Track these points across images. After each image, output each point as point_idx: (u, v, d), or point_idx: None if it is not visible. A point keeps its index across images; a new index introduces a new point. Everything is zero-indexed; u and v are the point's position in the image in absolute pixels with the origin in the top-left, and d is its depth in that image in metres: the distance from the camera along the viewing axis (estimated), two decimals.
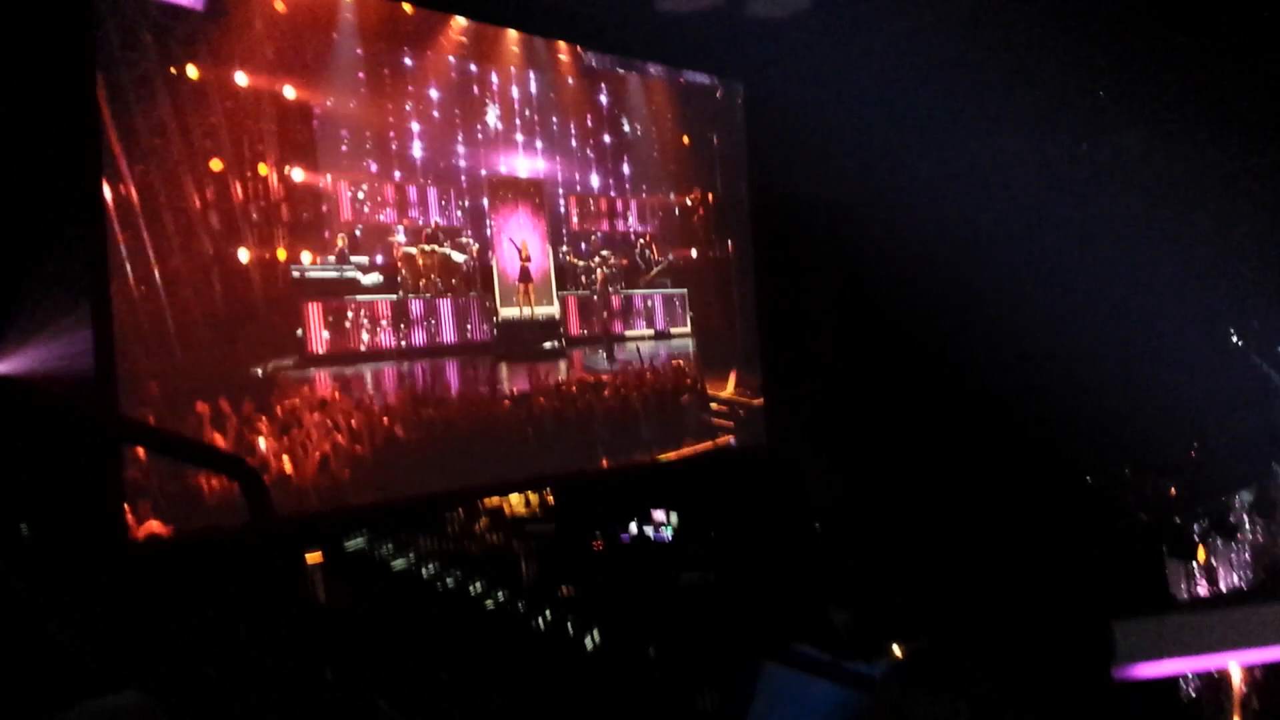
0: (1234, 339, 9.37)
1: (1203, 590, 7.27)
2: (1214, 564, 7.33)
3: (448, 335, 8.43)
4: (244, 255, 7.07)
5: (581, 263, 9.57)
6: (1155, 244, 8.78)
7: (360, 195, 7.90)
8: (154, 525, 6.37)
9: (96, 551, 5.92)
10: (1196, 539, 7.31)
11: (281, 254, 7.31)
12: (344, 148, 7.80)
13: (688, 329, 10.41)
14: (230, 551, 5.56)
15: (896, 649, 5.01)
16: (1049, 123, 9.44)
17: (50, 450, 5.58)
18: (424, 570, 7.63)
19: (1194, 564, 7.30)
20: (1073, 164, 9.49)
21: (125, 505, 6.22)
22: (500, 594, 7.37)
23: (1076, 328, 8.93)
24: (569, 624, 7.00)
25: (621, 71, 9.95)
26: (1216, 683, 5.70)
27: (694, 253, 10.55)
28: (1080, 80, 9.00)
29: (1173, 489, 8.09)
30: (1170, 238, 8.84)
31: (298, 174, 7.47)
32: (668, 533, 9.01)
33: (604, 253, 9.74)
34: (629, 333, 9.91)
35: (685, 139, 10.51)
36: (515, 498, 8.68)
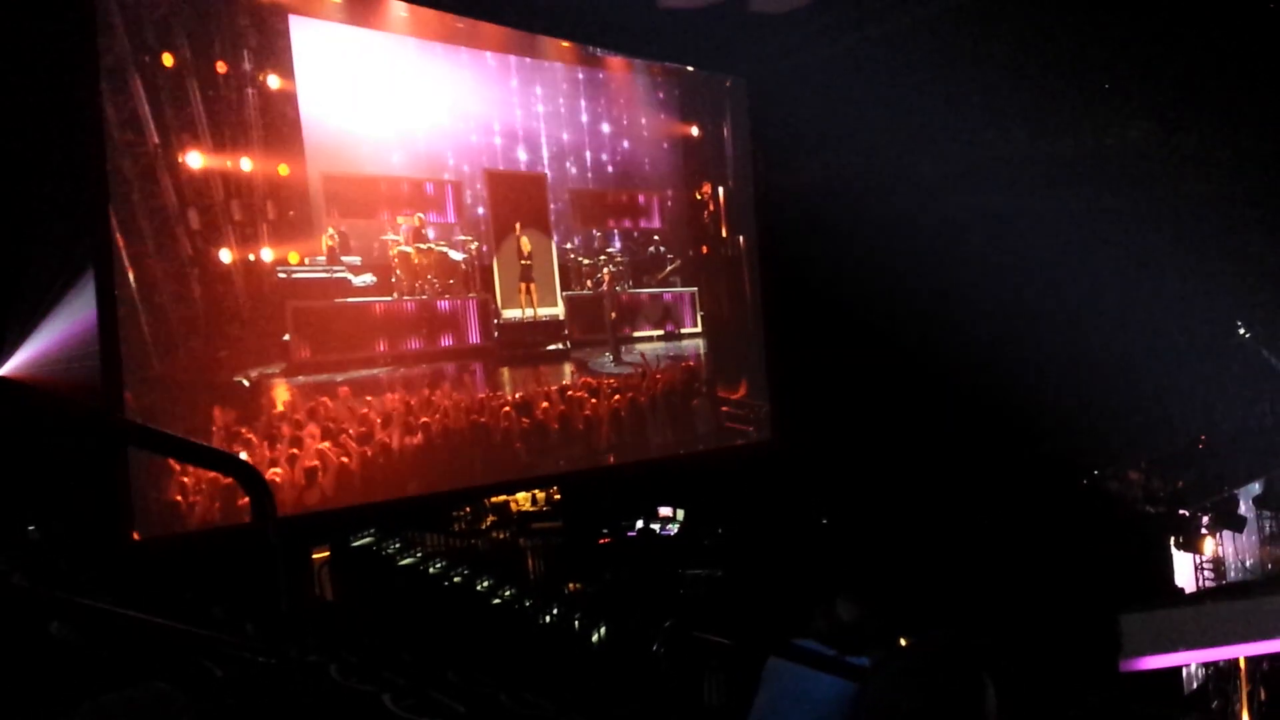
0: (1241, 332, 9.34)
1: (1210, 582, 7.25)
2: (1221, 556, 7.31)
3: (445, 338, 8.07)
4: (226, 256, 6.72)
5: (587, 261, 9.27)
6: (1161, 237, 8.75)
7: (351, 191, 7.53)
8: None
9: (100, 551, 5.93)
10: (1204, 531, 7.30)
11: (266, 254, 6.97)
12: (332, 141, 7.41)
13: (698, 329, 10.08)
14: (234, 550, 5.56)
15: (903, 642, 5.00)
16: (1053, 116, 9.41)
17: (55, 452, 5.59)
18: (430, 567, 7.60)
19: (1201, 556, 7.29)
20: (1077, 157, 9.46)
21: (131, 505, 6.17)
22: (507, 590, 7.35)
23: (1083, 322, 8.92)
24: (575, 619, 6.98)
25: (627, 62, 9.62)
26: (1224, 674, 5.69)
27: (705, 249, 10.22)
28: (1085, 74, 8.96)
29: (1180, 482, 8.08)
30: (1176, 231, 8.81)
31: (283, 169, 7.10)
32: (673, 528, 8.96)
33: (610, 250, 9.45)
34: (637, 334, 9.58)
35: (695, 130, 10.15)
36: (522, 495, 8.61)
